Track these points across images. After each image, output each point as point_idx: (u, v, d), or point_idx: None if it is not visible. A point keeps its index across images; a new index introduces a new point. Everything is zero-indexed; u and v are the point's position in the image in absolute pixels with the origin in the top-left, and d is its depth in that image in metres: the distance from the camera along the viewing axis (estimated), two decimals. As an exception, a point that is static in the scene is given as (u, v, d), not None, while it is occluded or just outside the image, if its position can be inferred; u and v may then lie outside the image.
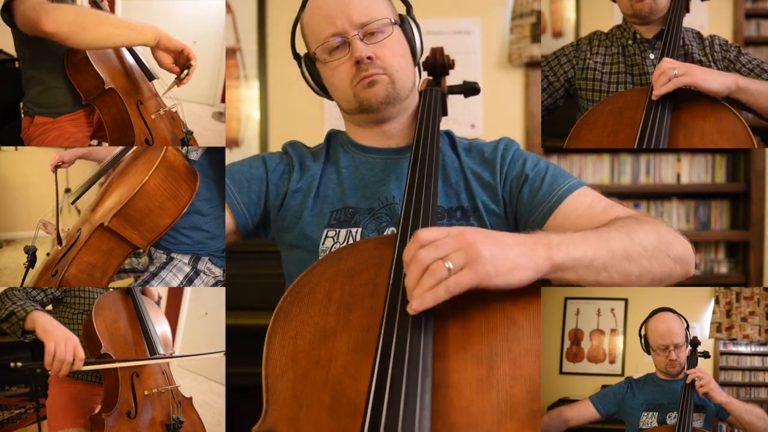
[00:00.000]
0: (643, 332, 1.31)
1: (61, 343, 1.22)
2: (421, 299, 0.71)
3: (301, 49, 1.24)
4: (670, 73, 1.16)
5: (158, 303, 1.65)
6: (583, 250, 0.79)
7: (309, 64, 1.20)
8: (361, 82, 1.11)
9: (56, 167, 1.46)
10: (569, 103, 1.41)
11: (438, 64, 1.26)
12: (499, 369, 0.72)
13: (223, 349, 1.50)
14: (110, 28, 1.25)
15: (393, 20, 1.14)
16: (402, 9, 1.21)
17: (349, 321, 0.79)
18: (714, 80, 1.17)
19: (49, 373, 1.24)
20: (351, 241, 1.10)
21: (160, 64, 1.34)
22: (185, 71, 1.34)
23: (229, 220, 1.17)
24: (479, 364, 0.72)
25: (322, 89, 1.22)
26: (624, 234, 0.85)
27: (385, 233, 1.10)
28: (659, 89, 1.17)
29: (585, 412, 1.26)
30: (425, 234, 0.75)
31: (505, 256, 0.73)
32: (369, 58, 1.09)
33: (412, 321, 0.73)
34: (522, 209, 1.11)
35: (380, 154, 1.20)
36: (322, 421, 0.70)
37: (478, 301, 0.76)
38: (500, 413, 0.68)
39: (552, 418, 1.26)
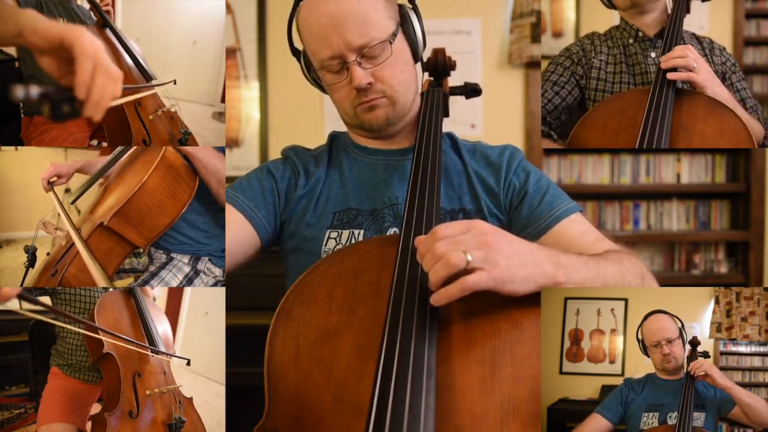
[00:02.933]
0: (639, 336, 1.32)
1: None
2: (437, 297, 0.73)
3: (299, 44, 1.18)
4: (691, 64, 1.16)
5: (153, 301, 1.65)
6: (583, 277, 0.83)
7: (308, 60, 1.16)
8: (361, 105, 1.10)
9: (50, 183, 1.43)
10: (582, 104, 1.40)
11: (440, 65, 1.26)
12: (503, 370, 0.71)
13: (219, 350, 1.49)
14: None
15: (393, 32, 1.08)
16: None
17: (352, 321, 0.79)
18: (711, 89, 1.17)
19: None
20: (353, 242, 1.10)
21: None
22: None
23: (252, 236, 1.13)
24: (482, 366, 0.72)
25: (320, 86, 1.18)
26: (618, 271, 0.91)
27: (388, 234, 1.10)
28: (673, 74, 1.16)
29: (598, 426, 1.25)
30: (444, 230, 0.75)
31: (519, 264, 0.75)
32: (369, 83, 1.07)
33: (416, 322, 0.73)
34: (517, 222, 1.12)
35: (383, 155, 1.20)
36: (324, 422, 0.70)
37: (481, 303, 0.76)
38: (503, 414, 0.68)
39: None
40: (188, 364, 1.48)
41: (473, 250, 0.72)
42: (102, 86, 0.71)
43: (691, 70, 1.16)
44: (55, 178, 1.44)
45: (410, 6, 1.14)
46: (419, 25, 1.14)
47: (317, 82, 1.18)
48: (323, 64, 1.08)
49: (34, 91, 0.67)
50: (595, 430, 1.25)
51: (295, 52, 1.20)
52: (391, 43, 1.07)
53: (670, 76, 1.17)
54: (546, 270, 0.78)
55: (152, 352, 1.41)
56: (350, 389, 0.72)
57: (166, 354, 1.46)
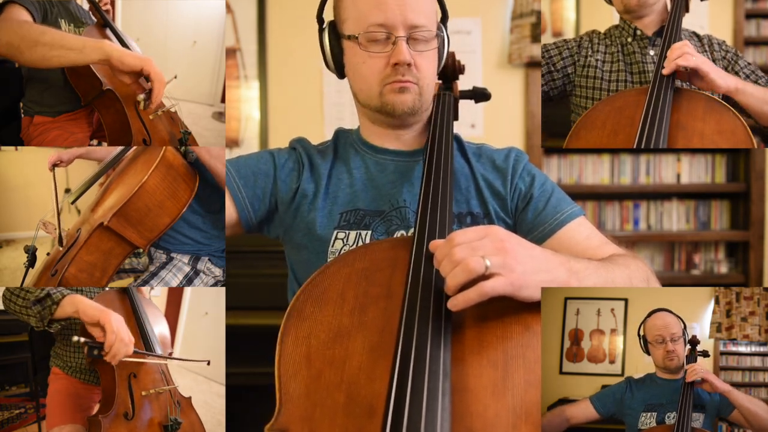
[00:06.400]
0: (641, 332, 1.31)
1: (122, 323, 1.20)
2: (454, 302, 0.74)
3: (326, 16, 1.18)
4: (690, 60, 1.16)
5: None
6: (594, 282, 0.85)
7: (332, 35, 1.14)
8: (392, 84, 1.08)
9: (54, 166, 1.45)
10: (565, 97, 1.41)
11: (449, 69, 1.26)
12: (515, 374, 0.72)
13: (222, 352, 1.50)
14: (45, 50, 1.15)
15: (438, 34, 1.12)
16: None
17: (364, 322, 0.79)
18: (720, 76, 1.17)
19: (103, 356, 1.19)
20: (360, 243, 1.10)
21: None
22: (149, 94, 1.21)
23: (231, 212, 1.15)
24: (495, 369, 0.73)
25: (336, 64, 1.16)
26: (626, 276, 0.93)
27: (395, 236, 1.10)
28: (674, 65, 1.16)
29: (585, 411, 1.27)
30: (461, 235, 0.76)
31: (534, 271, 0.77)
32: (410, 64, 1.07)
33: (431, 324, 0.73)
34: (522, 225, 1.13)
35: (392, 156, 1.19)
36: (336, 422, 0.70)
37: (493, 306, 0.77)
38: (516, 417, 0.68)
39: (554, 415, 1.26)
40: (208, 364, 1.48)
41: (491, 256, 0.74)
42: (162, 93, 1.17)
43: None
44: (58, 162, 1.46)
45: (443, 25, 1.18)
46: (447, 45, 1.17)
47: (334, 55, 1.15)
48: (369, 29, 1.07)
49: (143, 95, 1.21)
50: (581, 414, 1.26)
51: (321, 21, 1.17)
52: (437, 37, 1.11)
53: (680, 63, 1.17)
54: (559, 276, 0.79)
55: (171, 359, 1.42)
56: (363, 390, 0.72)
57: (184, 359, 1.47)
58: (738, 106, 1.26)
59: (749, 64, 1.31)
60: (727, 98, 1.22)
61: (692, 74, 1.19)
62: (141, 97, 1.18)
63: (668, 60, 1.17)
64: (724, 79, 1.16)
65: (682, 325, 1.28)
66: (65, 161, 1.47)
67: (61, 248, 1.38)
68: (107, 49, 1.14)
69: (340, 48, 1.14)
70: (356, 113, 1.25)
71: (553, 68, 1.37)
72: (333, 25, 1.15)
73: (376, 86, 1.10)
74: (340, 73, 1.17)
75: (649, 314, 1.30)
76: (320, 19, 1.16)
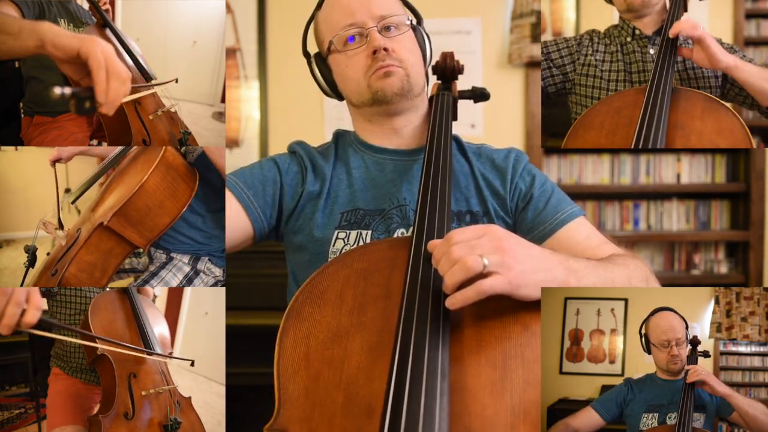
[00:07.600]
0: (643, 331, 1.31)
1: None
2: (452, 300, 0.74)
3: (311, 49, 1.25)
4: (695, 24, 1.18)
5: (153, 301, 1.65)
6: (592, 282, 0.85)
7: (319, 62, 1.20)
8: (376, 72, 1.11)
9: (55, 161, 1.46)
10: (563, 95, 1.41)
11: (448, 69, 1.26)
12: (513, 373, 0.72)
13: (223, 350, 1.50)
14: None
15: (408, 20, 1.17)
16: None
17: (362, 322, 0.79)
18: (721, 51, 1.18)
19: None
20: (361, 243, 1.10)
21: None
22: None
23: (245, 224, 1.13)
24: (493, 368, 0.73)
25: (331, 87, 1.21)
26: (625, 276, 0.93)
27: (395, 235, 1.10)
28: (683, 31, 1.19)
29: (589, 420, 1.26)
30: (459, 234, 0.76)
31: (533, 270, 0.77)
32: (385, 49, 1.10)
33: (429, 324, 0.73)
34: (522, 225, 1.14)
35: (391, 155, 1.20)
36: (335, 422, 0.70)
37: (492, 306, 0.77)
38: (514, 417, 0.68)
39: (559, 430, 1.26)
40: (192, 364, 1.48)
41: (489, 255, 0.74)
42: (115, 89, 0.86)
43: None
44: (58, 158, 1.47)
45: (420, 27, 1.21)
46: (428, 43, 1.20)
47: (325, 79, 1.20)
48: (342, 31, 1.13)
49: (67, 90, 0.82)
50: (585, 423, 1.25)
51: (306, 54, 1.24)
52: (408, 23, 1.15)
53: (673, 31, 1.19)
54: (558, 275, 0.79)
55: (152, 355, 1.40)
56: (362, 389, 0.72)
57: (168, 357, 1.46)
58: (734, 98, 1.27)
59: (744, 56, 1.32)
60: (725, 79, 1.25)
61: (694, 49, 1.20)
62: (60, 91, 0.80)
63: (675, 25, 1.19)
64: (724, 54, 1.18)
65: (685, 324, 1.28)
66: (65, 158, 1.47)
67: (61, 236, 1.39)
68: (41, 32, 0.88)
69: (328, 69, 1.20)
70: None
71: (552, 65, 1.37)
72: (318, 55, 1.22)
73: (363, 79, 1.13)
74: (338, 94, 1.22)
75: (653, 312, 1.29)
76: (306, 53, 1.24)
